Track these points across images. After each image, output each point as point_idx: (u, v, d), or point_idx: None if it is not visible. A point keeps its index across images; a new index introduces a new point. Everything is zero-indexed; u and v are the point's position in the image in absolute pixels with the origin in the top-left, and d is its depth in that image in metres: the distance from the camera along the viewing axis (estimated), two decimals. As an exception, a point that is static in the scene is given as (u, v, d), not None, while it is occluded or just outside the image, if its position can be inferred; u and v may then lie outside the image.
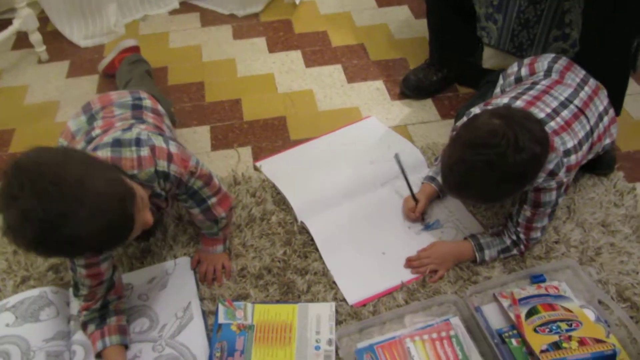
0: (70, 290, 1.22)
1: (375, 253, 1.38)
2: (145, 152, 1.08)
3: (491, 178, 1.09)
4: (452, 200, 1.48)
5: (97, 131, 1.18)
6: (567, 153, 1.23)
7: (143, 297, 1.29)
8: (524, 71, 1.42)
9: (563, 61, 1.38)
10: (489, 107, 1.27)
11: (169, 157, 1.11)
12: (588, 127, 1.29)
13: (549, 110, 1.26)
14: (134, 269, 1.35)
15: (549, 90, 1.31)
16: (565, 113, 1.27)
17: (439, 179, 1.45)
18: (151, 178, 1.09)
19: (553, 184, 1.21)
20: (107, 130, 1.17)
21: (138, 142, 1.09)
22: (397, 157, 1.48)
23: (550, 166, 1.19)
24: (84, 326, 1.17)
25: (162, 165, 1.10)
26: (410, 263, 1.35)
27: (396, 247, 1.39)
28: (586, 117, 1.29)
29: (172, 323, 1.23)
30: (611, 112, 1.37)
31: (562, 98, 1.29)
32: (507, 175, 1.09)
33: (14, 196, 0.84)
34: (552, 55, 1.41)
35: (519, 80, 1.42)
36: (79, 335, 1.19)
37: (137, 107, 1.30)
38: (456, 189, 1.19)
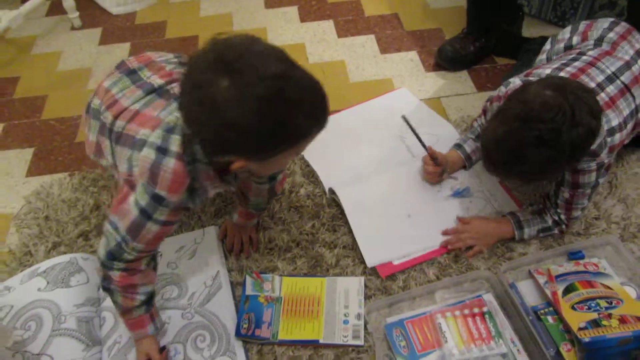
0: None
1: (400, 216, 1.35)
2: None
3: (542, 155, 1.02)
4: (482, 171, 1.42)
5: (157, 80, 1.06)
6: (611, 132, 1.15)
7: (172, 265, 1.29)
8: (575, 39, 1.33)
9: (620, 28, 1.28)
10: (531, 78, 1.20)
11: None
12: (633, 105, 1.20)
13: (593, 84, 1.18)
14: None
15: (596, 63, 1.22)
16: (611, 88, 1.19)
17: (466, 146, 1.40)
18: None
19: (593, 165, 1.14)
20: (172, 80, 1.06)
21: None
22: (404, 117, 1.43)
23: (593, 146, 1.11)
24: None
25: None
26: (447, 238, 1.31)
27: (422, 211, 1.36)
28: (632, 95, 1.20)
29: (200, 291, 1.23)
30: None
31: (609, 72, 1.21)
32: (560, 152, 1.02)
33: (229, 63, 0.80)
34: (610, 20, 1.32)
35: (568, 48, 1.33)
36: (108, 302, 1.19)
37: (182, 64, 1.19)
38: (502, 167, 1.11)
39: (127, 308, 1.06)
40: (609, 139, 1.14)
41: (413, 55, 1.88)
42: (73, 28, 2.13)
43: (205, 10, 2.18)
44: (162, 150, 0.92)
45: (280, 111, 0.81)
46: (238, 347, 1.13)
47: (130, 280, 1.03)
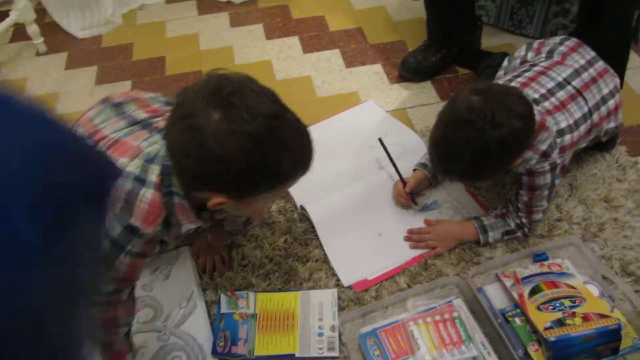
0: None
1: (371, 234, 1.38)
2: None
3: (471, 155, 1.10)
4: (449, 183, 1.48)
5: (141, 114, 1.03)
6: (560, 133, 1.22)
7: (146, 288, 1.29)
8: (530, 55, 1.40)
9: (570, 42, 1.36)
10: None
11: None
12: (586, 109, 1.27)
13: (543, 90, 1.25)
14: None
15: (547, 72, 1.29)
16: (562, 94, 1.26)
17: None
18: None
19: (546, 165, 1.20)
20: (156, 115, 1.03)
21: None
22: (380, 141, 1.46)
23: (543, 147, 1.18)
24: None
25: None
26: (410, 236, 1.36)
27: (393, 228, 1.39)
28: (584, 98, 1.27)
29: (176, 312, 1.24)
30: (618, 96, 1.34)
31: (559, 79, 1.28)
32: (487, 151, 1.09)
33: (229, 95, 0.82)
34: (561, 37, 1.39)
35: (523, 62, 1.40)
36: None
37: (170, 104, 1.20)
38: (441, 167, 1.21)
39: (110, 343, 1.04)
40: (558, 140, 1.21)
41: (378, 68, 1.92)
42: (38, 54, 2.13)
43: (171, 31, 2.20)
44: (139, 181, 0.90)
45: (267, 150, 0.83)
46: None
47: (113, 313, 1.00)
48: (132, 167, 0.91)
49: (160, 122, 0.99)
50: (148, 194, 0.90)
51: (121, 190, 0.89)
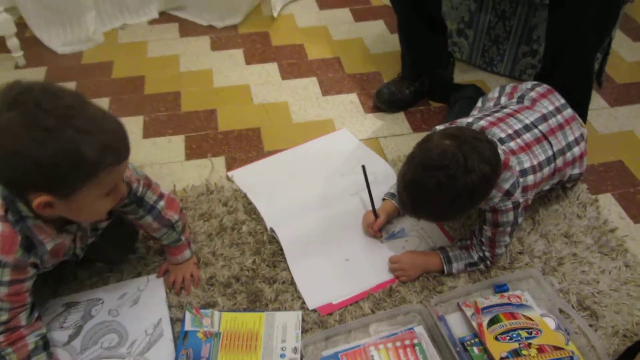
0: None
1: (338, 259, 1.41)
2: None
3: (442, 199, 1.13)
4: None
5: None
6: (523, 173, 1.26)
7: (113, 313, 1.28)
8: (503, 99, 1.46)
9: (541, 89, 1.42)
10: (442, 127, 1.30)
11: None
12: (550, 153, 1.32)
13: (510, 131, 1.30)
14: (107, 283, 1.34)
15: (515, 114, 1.34)
16: (527, 136, 1.31)
17: None
18: None
19: (509, 204, 1.24)
20: None
21: None
22: (363, 168, 1.50)
23: (506, 186, 1.22)
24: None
25: None
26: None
27: (359, 254, 1.42)
28: (550, 143, 1.32)
29: (141, 339, 1.23)
30: (584, 145, 1.40)
31: (527, 122, 1.33)
32: (458, 196, 1.12)
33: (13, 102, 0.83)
34: (533, 82, 1.45)
35: (496, 105, 1.45)
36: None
37: None
38: (410, 208, 1.22)
39: (24, 358, 1.06)
40: (521, 179, 1.25)
41: (353, 97, 1.97)
42: (17, 67, 2.13)
43: (152, 51, 2.23)
44: None
45: (62, 138, 0.83)
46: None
47: (16, 336, 1.05)
48: None
49: None
50: None
51: None
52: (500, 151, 1.20)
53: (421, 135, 1.73)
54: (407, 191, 1.18)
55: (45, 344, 1.11)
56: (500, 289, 1.32)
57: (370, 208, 1.46)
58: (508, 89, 1.47)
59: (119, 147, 0.92)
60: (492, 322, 1.21)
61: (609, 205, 1.57)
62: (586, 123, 1.60)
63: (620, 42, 2.24)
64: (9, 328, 1.03)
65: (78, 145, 0.85)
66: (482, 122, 1.32)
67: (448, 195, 1.12)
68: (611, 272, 1.37)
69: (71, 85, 2.03)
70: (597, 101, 1.93)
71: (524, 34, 1.88)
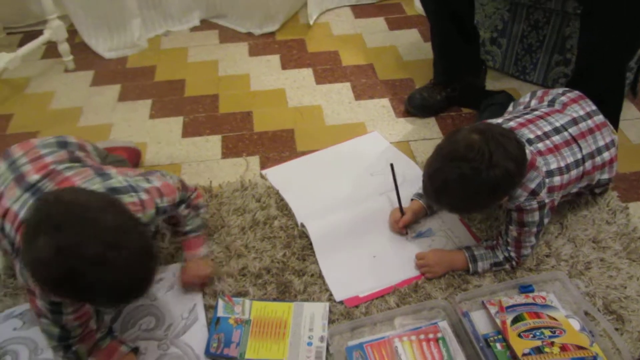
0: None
1: (366, 255, 1.44)
2: (144, 195, 1.13)
3: (464, 190, 1.16)
4: (444, 212, 1.54)
5: (34, 176, 1.13)
6: (550, 174, 1.28)
7: (151, 297, 1.34)
8: (533, 102, 1.47)
9: (572, 94, 1.43)
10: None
11: (160, 193, 1.18)
12: (579, 156, 1.33)
13: (539, 132, 1.32)
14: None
15: (545, 116, 1.36)
16: (557, 138, 1.32)
17: None
18: (152, 219, 1.15)
19: (534, 204, 1.25)
20: (47, 173, 1.13)
21: (132, 188, 1.13)
22: (392, 166, 1.53)
23: (532, 185, 1.24)
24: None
25: (158, 202, 1.16)
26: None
27: (387, 251, 1.46)
28: (579, 146, 1.33)
29: (177, 323, 1.28)
30: (614, 151, 1.40)
31: (557, 124, 1.34)
32: (480, 188, 1.15)
33: (56, 226, 0.87)
34: (564, 89, 1.47)
35: (527, 108, 1.47)
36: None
37: (62, 145, 1.25)
38: (433, 196, 1.25)
39: (93, 345, 1.16)
40: (547, 180, 1.26)
41: (385, 102, 2.02)
42: (67, 70, 2.25)
43: (193, 57, 2.33)
44: None
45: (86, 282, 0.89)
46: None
47: (90, 337, 1.15)
48: None
49: (49, 185, 1.10)
50: None
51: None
52: (527, 151, 1.23)
53: (452, 141, 1.78)
54: (431, 180, 1.21)
55: (110, 331, 1.21)
56: (525, 289, 1.34)
57: (397, 206, 1.50)
58: (539, 93, 1.49)
59: (128, 300, 1.06)
60: (516, 320, 1.23)
61: (639, 213, 1.56)
62: (617, 132, 1.60)
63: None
64: (83, 336, 1.14)
65: (94, 294, 0.91)
66: (512, 123, 1.34)
67: (470, 187, 1.15)
68: (639, 279, 1.37)
69: (116, 87, 2.14)
70: (631, 111, 1.92)
71: (557, 43, 1.90)
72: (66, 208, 0.90)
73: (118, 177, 1.14)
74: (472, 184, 1.14)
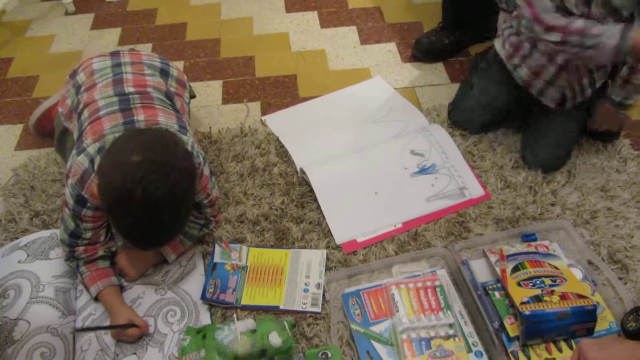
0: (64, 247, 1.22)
1: (367, 193, 1.42)
2: (206, 170, 1.23)
3: None
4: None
5: (130, 89, 1.24)
6: None
7: None
8: None
9: None
10: None
11: (203, 183, 1.21)
12: None
13: None
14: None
15: None
16: None
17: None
18: None
19: None
20: (142, 92, 1.24)
21: (202, 160, 1.21)
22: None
23: None
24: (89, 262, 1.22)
25: (197, 187, 1.19)
26: None
27: (389, 188, 1.44)
28: None
29: (175, 270, 1.29)
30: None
31: None
32: None
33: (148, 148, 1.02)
34: None
35: None
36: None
37: (165, 73, 1.36)
38: None
39: (91, 259, 1.20)
40: None
41: (392, 46, 1.95)
42: (67, 13, 2.20)
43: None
44: (92, 164, 1.10)
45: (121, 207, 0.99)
46: (205, 320, 1.19)
47: (94, 249, 1.21)
48: (92, 149, 1.11)
49: (137, 104, 1.20)
50: (95, 178, 1.09)
51: (80, 166, 1.12)
52: None
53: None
54: None
55: (111, 257, 1.25)
56: (528, 238, 1.31)
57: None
58: None
59: (142, 244, 1.09)
60: (516, 269, 1.21)
61: (651, 162, 1.52)
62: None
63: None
64: (90, 243, 1.20)
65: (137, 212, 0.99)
66: None
67: None
68: (647, 228, 1.34)
69: (116, 31, 2.09)
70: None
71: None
72: (162, 145, 1.03)
73: (191, 140, 1.20)
74: None
